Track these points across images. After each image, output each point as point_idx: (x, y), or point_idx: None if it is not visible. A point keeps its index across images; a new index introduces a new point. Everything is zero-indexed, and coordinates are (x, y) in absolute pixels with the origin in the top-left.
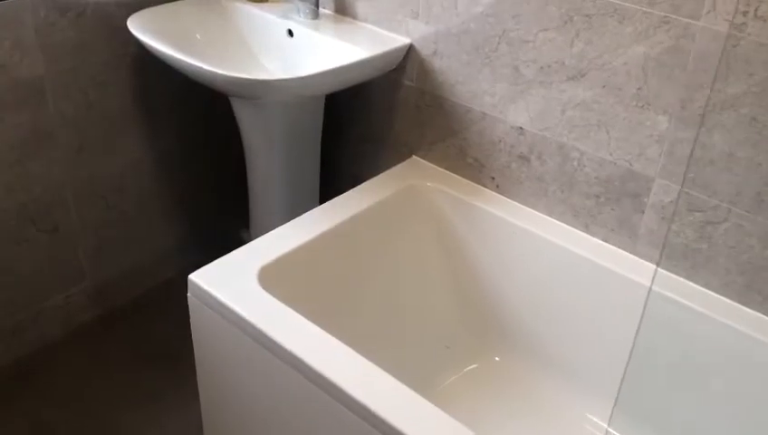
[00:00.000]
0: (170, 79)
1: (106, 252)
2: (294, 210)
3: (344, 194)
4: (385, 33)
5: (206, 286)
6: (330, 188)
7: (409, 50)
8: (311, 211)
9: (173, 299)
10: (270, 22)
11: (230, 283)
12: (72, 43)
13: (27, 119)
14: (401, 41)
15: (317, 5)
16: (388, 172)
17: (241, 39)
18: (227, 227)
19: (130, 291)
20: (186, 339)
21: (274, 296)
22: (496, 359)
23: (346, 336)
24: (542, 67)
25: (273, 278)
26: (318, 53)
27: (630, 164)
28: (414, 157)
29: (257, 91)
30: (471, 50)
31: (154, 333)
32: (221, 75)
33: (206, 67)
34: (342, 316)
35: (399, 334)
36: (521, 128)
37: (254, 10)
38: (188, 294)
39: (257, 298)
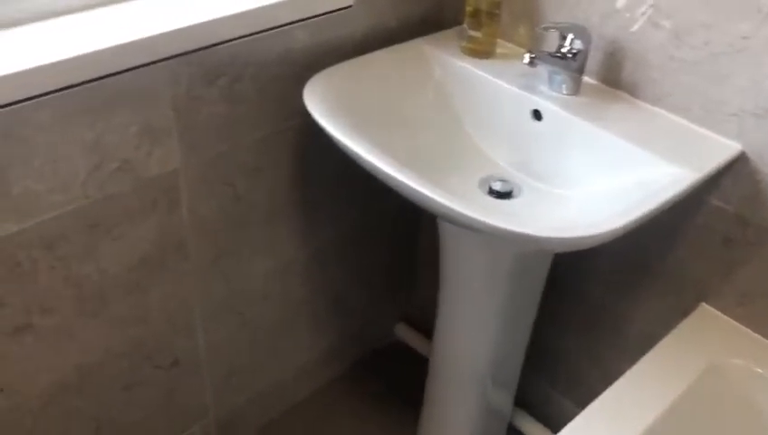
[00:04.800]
0: (334, 155)
1: (235, 378)
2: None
3: (615, 387)
4: (695, 128)
5: None
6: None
7: (736, 160)
8: (575, 423)
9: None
10: (503, 93)
11: None
12: (221, 121)
13: (152, 229)
14: (729, 147)
15: (580, 73)
16: (672, 334)
17: (452, 111)
18: (377, 333)
19: (261, 418)
20: None
21: None
22: None
23: None
24: None
25: None
26: (584, 155)
27: None
28: (704, 306)
29: (516, 242)
30: None
31: None
32: (468, 217)
33: (445, 202)
34: None
35: None
36: None
37: (476, 71)
38: None
39: None
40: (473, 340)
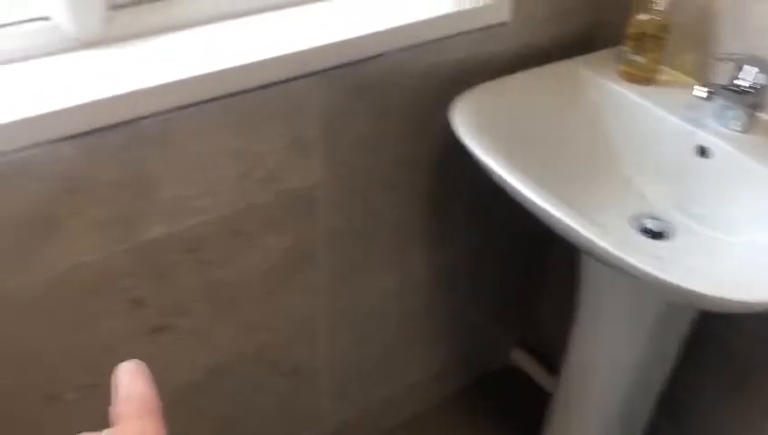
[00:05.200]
0: (471, 173)
1: (351, 389)
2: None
3: None
4: None
5: None
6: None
7: None
8: None
9: None
10: (665, 124)
11: None
12: (365, 136)
13: (287, 239)
14: None
15: (757, 109)
16: None
17: (605, 139)
18: (492, 356)
19: (371, 431)
20: None
21: None
22: None
23: None
24: None
25: None
26: (754, 200)
27: None
28: None
29: (676, 295)
30: None
31: None
32: (625, 261)
33: (602, 244)
34: None
35: None
36: None
37: (636, 98)
38: None
39: None
40: (604, 382)
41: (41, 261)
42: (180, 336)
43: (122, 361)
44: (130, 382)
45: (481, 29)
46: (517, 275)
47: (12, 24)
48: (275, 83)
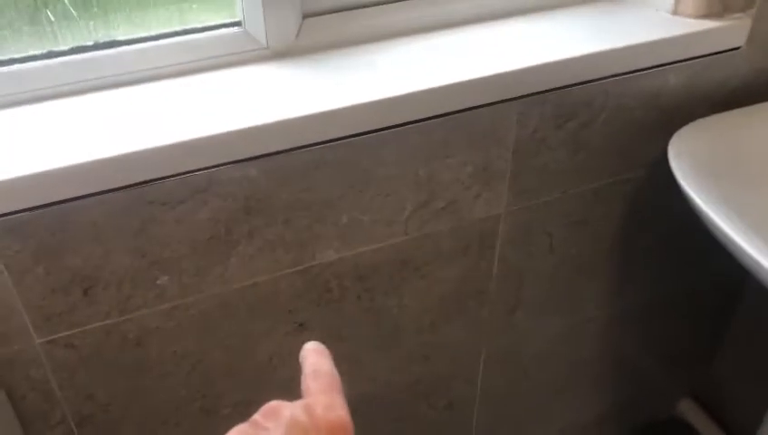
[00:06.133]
0: (670, 214)
1: (504, 429)
2: None
3: None
4: None
5: None
6: None
7: None
8: None
9: None
10: None
11: None
12: (558, 167)
13: (458, 271)
14: None
15: None
16: None
17: None
18: (657, 405)
19: None
20: None
21: None
22: None
23: None
24: None
25: None
26: None
27: None
28: None
29: None
30: None
31: None
32: None
33: None
34: None
35: None
36: None
37: None
38: None
39: None
40: None
41: (217, 277)
42: (336, 361)
43: (279, 383)
44: (318, 360)
45: (707, 55)
46: (698, 325)
47: (203, 29)
48: (473, 108)
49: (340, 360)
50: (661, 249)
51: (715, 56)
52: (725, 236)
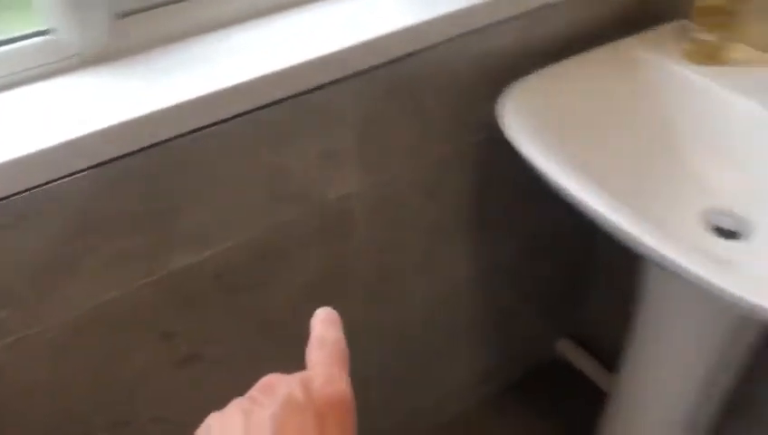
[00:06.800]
0: (518, 171)
1: (397, 396)
2: None
3: None
4: None
5: None
6: None
7: None
8: None
9: None
10: (740, 110)
11: None
12: (403, 139)
13: (321, 256)
14: None
15: None
16: None
17: (669, 127)
18: (537, 350)
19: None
20: None
21: None
22: None
23: None
24: None
25: None
26: None
27: None
28: None
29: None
30: None
31: None
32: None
33: (667, 254)
34: None
35: None
36: None
37: (705, 81)
38: None
39: None
40: (664, 389)
41: (63, 301)
42: (212, 366)
43: (153, 396)
44: (324, 330)
45: (527, 12)
46: (565, 269)
47: (8, 41)
48: (306, 92)
49: (217, 364)
50: (517, 203)
51: (534, 13)
52: (559, 185)
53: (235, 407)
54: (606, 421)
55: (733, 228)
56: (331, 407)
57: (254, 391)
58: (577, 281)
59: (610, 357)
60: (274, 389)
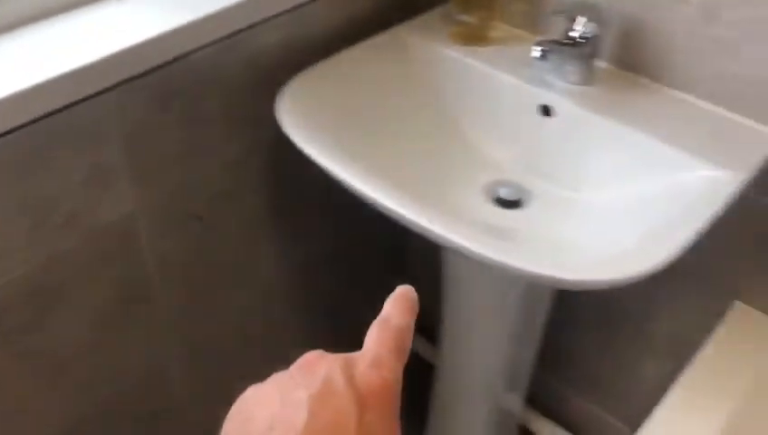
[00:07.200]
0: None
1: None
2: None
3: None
4: (732, 117)
5: None
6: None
7: None
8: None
9: None
10: (504, 86)
11: None
12: (181, 148)
13: (108, 283)
14: None
15: (591, 58)
16: (715, 336)
17: (445, 109)
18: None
19: None
20: None
21: None
22: None
23: None
24: None
25: None
26: (603, 155)
27: None
28: (740, 304)
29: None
30: None
31: None
32: (474, 253)
33: (444, 234)
34: None
35: None
36: None
37: (470, 61)
38: None
39: None
40: (480, 350)
41: None
42: (9, 417)
43: None
44: (393, 312)
45: (293, 8)
46: (383, 253)
47: None
48: (60, 109)
49: (11, 414)
50: (320, 199)
51: (298, 10)
52: (325, 168)
53: (274, 383)
54: (436, 390)
55: (514, 198)
56: (371, 393)
57: (294, 368)
58: (393, 266)
59: (434, 333)
60: (314, 368)
